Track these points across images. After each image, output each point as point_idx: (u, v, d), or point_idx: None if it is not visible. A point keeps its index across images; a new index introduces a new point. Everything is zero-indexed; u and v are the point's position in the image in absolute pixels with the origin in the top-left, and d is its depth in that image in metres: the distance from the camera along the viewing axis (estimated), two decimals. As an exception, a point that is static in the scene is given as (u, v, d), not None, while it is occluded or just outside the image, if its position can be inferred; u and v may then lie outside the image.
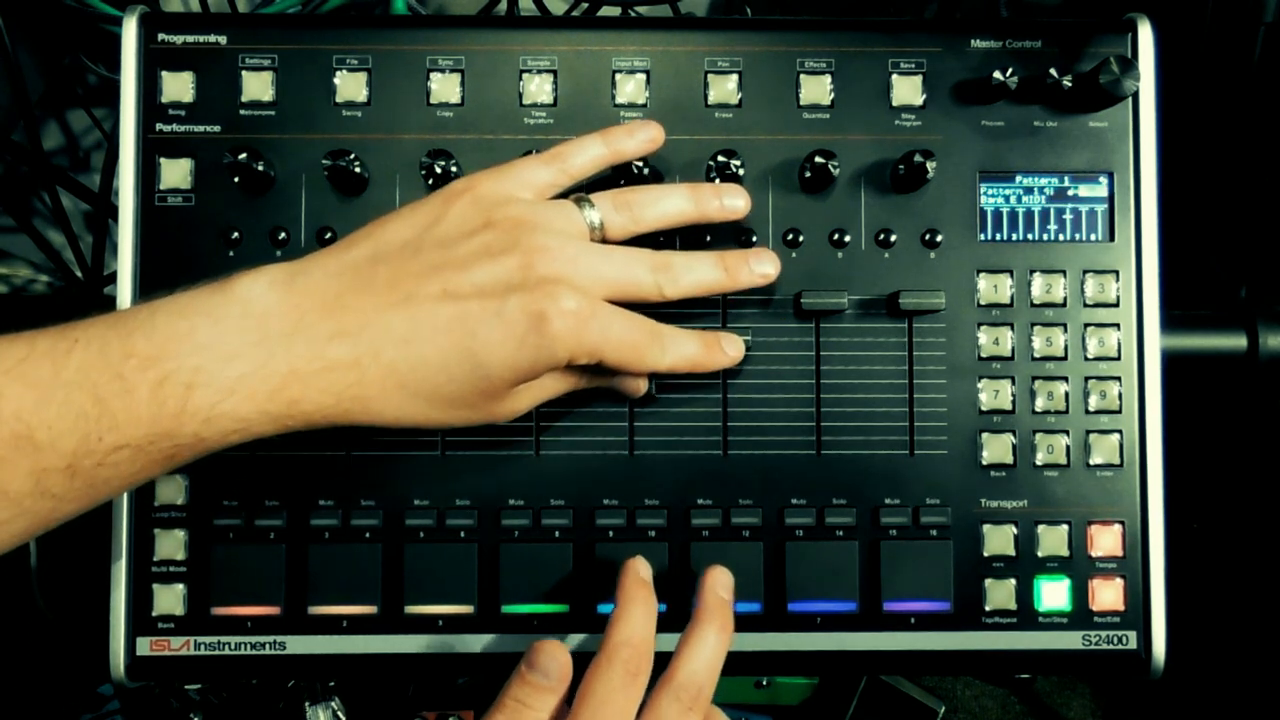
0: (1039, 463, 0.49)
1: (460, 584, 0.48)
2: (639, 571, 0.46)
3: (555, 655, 0.41)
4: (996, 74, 0.48)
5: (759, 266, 0.46)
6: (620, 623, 0.43)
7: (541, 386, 0.43)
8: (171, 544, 0.48)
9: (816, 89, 0.50)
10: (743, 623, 0.48)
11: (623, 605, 0.44)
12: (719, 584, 0.46)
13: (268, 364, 0.37)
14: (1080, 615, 0.49)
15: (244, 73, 0.49)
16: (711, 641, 0.43)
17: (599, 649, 0.42)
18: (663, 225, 0.45)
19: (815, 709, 0.76)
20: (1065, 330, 0.49)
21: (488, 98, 0.49)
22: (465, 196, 0.42)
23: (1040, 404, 0.49)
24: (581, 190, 0.45)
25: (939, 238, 0.49)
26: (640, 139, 0.46)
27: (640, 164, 0.47)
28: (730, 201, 0.46)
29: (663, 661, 0.43)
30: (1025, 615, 0.49)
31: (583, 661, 0.42)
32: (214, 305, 0.38)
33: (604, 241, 0.44)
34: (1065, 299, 0.49)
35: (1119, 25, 0.50)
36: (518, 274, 0.39)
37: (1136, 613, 0.49)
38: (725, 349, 0.46)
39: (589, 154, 0.45)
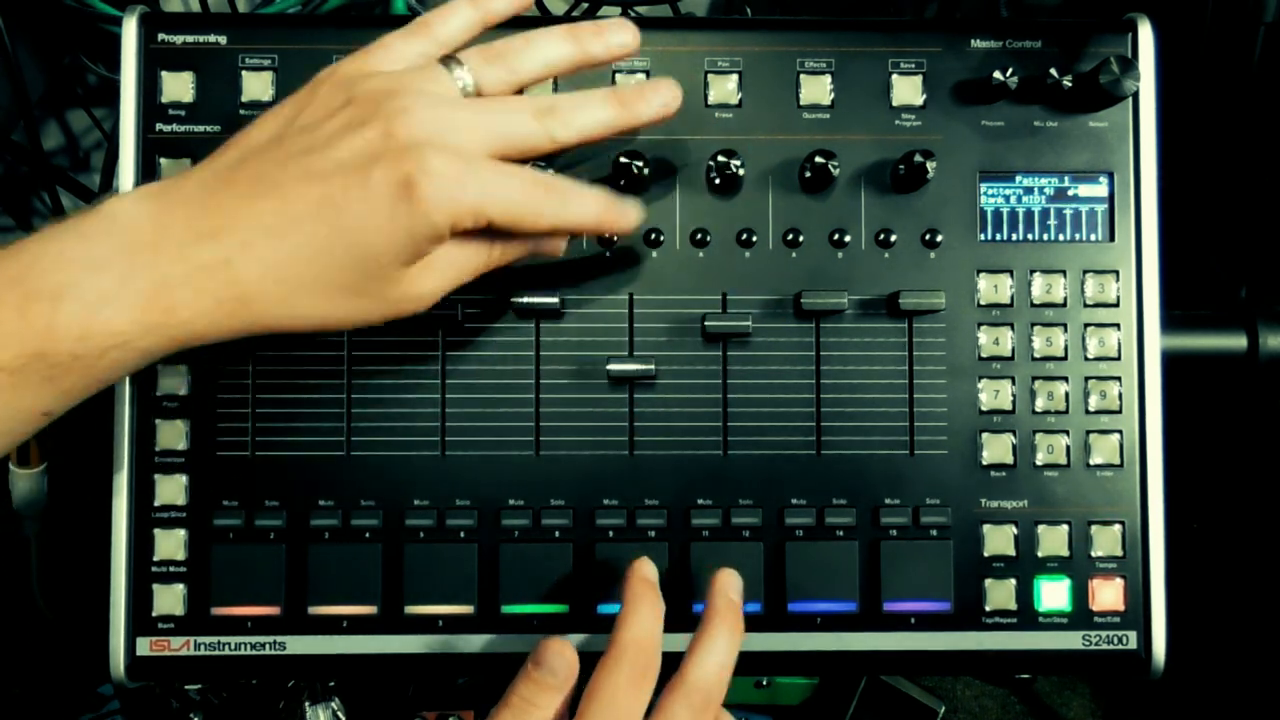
0: (1039, 463, 0.49)
1: (460, 584, 0.48)
2: (645, 572, 0.46)
3: (562, 653, 0.41)
4: (996, 74, 0.48)
5: (657, 96, 0.42)
6: (628, 622, 0.42)
7: (443, 265, 0.39)
8: (171, 544, 0.48)
9: (816, 89, 0.50)
10: (743, 623, 0.48)
11: (630, 605, 0.43)
12: (729, 586, 0.45)
13: (135, 271, 0.35)
14: (1080, 615, 0.49)
15: (244, 73, 0.49)
16: (723, 644, 0.43)
17: (607, 648, 0.42)
18: (544, 74, 0.42)
19: (815, 709, 0.76)
20: (1065, 330, 0.49)
21: (488, 98, 0.49)
22: (328, 81, 0.40)
23: (1040, 404, 0.49)
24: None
25: (939, 238, 0.49)
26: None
27: (640, 164, 0.47)
28: (616, 37, 0.42)
29: (666, 663, 0.43)
30: (1025, 615, 0.49)
31: (588, 662, 0.42)
32: (83, 224, 0.37)
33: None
34: (1065, 299, 0.49)
35: (1119, 25, 0.50)
36: (380, 142, 0.36)
37: (1136, 613, 0.49)
38: (626, 209, 0.42)
39: (458, 18, 0.42)
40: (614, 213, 0.42)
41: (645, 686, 0.41)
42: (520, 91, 0.42)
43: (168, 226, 0.36)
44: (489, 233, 0.40)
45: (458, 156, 0.37)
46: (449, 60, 0.40)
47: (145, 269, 0.36)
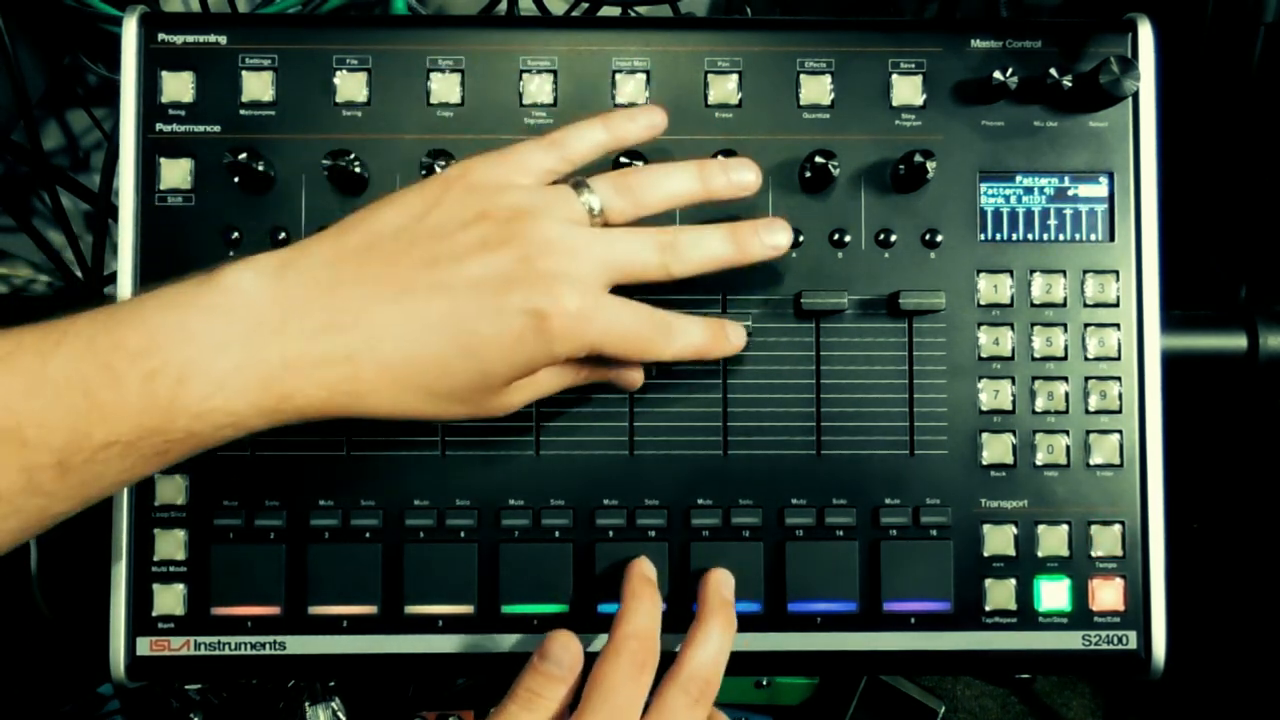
0: (1039, 463, 0.49)
1: (460, 584, 0.48)
2: (644, 570, 0.47)
3: (568, 645, 0.42)
4: (996, 74, 0.48)
5: (770, 238, 0.44)
6: (627, 617, 0.44)
7: (538, 382, 0.42)
8: (171, 544, 0.48)
9: (816, 89, 0.50)
10: (743, 622, 0.48)
11: (629, 601, 0.44)
12: (722, 585, 0.47)
13: (259, 356, 0.36)
14: (1080, 615, 0.49)
15: (244, 73, 0.49)
16: (717, 637, 0.44)
17: (607, 642, 0.43)
18: (667, 207, 0.43)
19: (815, 709, 0.76)
20: (1065, 330, 0.49)
21: (488, 98, 0.49)
22: (460, 184, 0.40)
23: (1040, 404, 0.49)
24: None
25: (939, 238, 0.49)
26: (642, 124, 0.45)
27: (641, 164, 0.47)
28: (738, 176, 0.44)
29: (667, 661, 0.43)
30: (1025, 615, 0.49)
31: (589, 660, 0.43)
32: (203, 296, 0.37)
33: (605, 226, 0.42)
34: (1065, 299, 0.49)
35: (1119, 25, 0.50)
36: (516, 268, 0.38)
37: (1136, 613, 0.49)
38: (729, 336, 0.45)
39: (589, 139, 0.43)
40: (717, 342, 0.44)
41: (644, 678, 0.42)
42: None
43: (291, 311, 0.37)
44: (589, 358, 0.42)
45: (587, 293, 0.39)
46: (580, 185, 0.42)
47: (268, 355, 0.36)
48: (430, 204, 0.40)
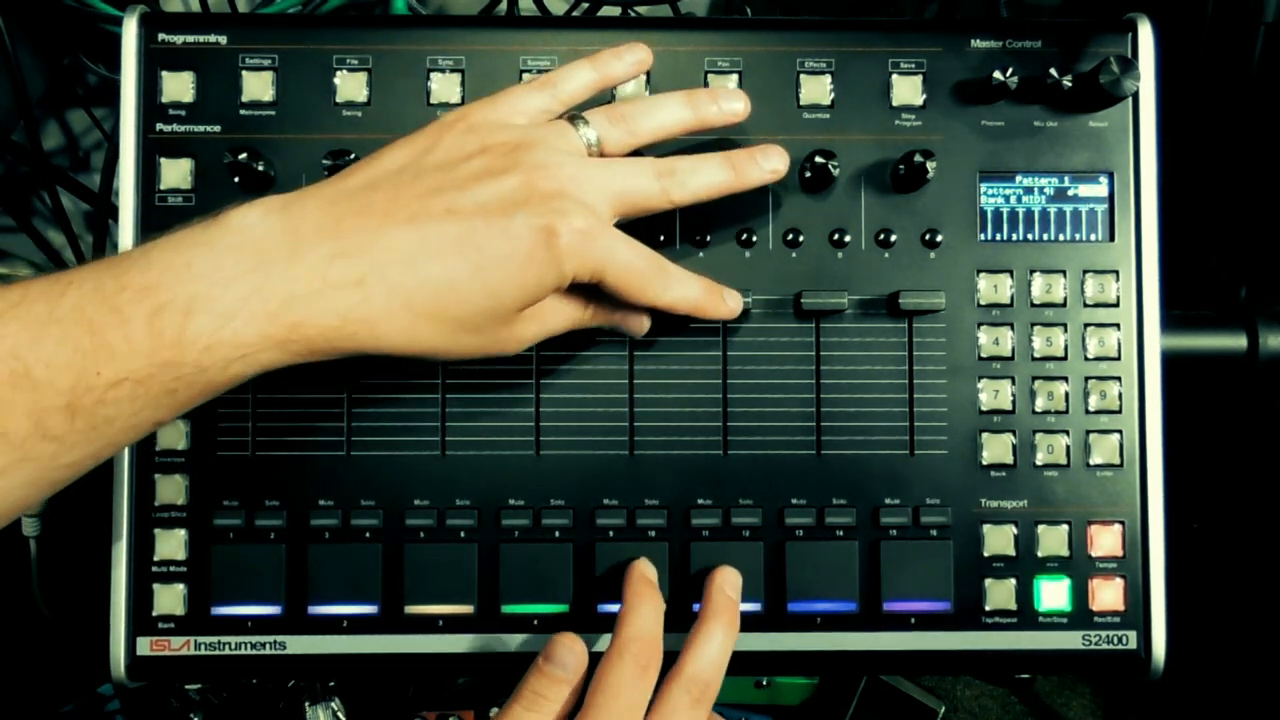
0: (1039, 463, 0.49)
1: (460, 584, 0.48)
2: (645, 571, 0.47)
3: (572, 648, 0.43)
4: (996, 74, 0.48)
5: (767, 162, 0.45)
6: (630, 619, 0.44)
7: (546, 315, 0.42)
8: (171, 544, 0.48)
9: (816, 89, 0.50)
10: (743, 622, 0.48)
11: (631, 603, 0.45)
12: (727, 583, 0.47)
13: (266, 285, 0.36)
14: (1080, 615, 0.49)
15: (244, 73, 0.49)
16: (719, 637, 0.44)
17: (610, 645, 0.43)
18: (661, 136, 0.45)
19: (815, 709, 0.76)
20: (1065, 330, 0.49)
21: (488, 98, 0.49)
22: (459, 124, 0.41)
23: (1040, 404, 0.49)
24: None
25: (939, 238, 0.49)
26: (629, 61, 0.46)
27: None
28: (728, 105, 0.45)
29: (670, 659, 0.43)
30: (1025, 615, 0.49)
31: (595, 660, 0.43)
32: (209, 236, 0.37)
33: (603, 157, 0.43)
34: (1065, 299, 0.49)
35: (1119, 25, 0.50)
36: (521, 191, 0.39)
37: (1136, 613, 0.49)
38: (726, 299, 0.46)
39: (579, 78, 0.44)
40: (713, 301, 0.45)
41: (648, 678, 0.42)
42: (637, 152, 0.44)
43: (300, 241, 0.37)
44: (589, 293, 0.43)
45: (592, 213, 0.40)
46: (575, 119, 0.43)
47: (277, 283, 0.36)
48: (431, 143, 0.41)
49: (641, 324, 0.46)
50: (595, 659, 0.43)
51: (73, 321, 0.34)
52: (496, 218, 0.38)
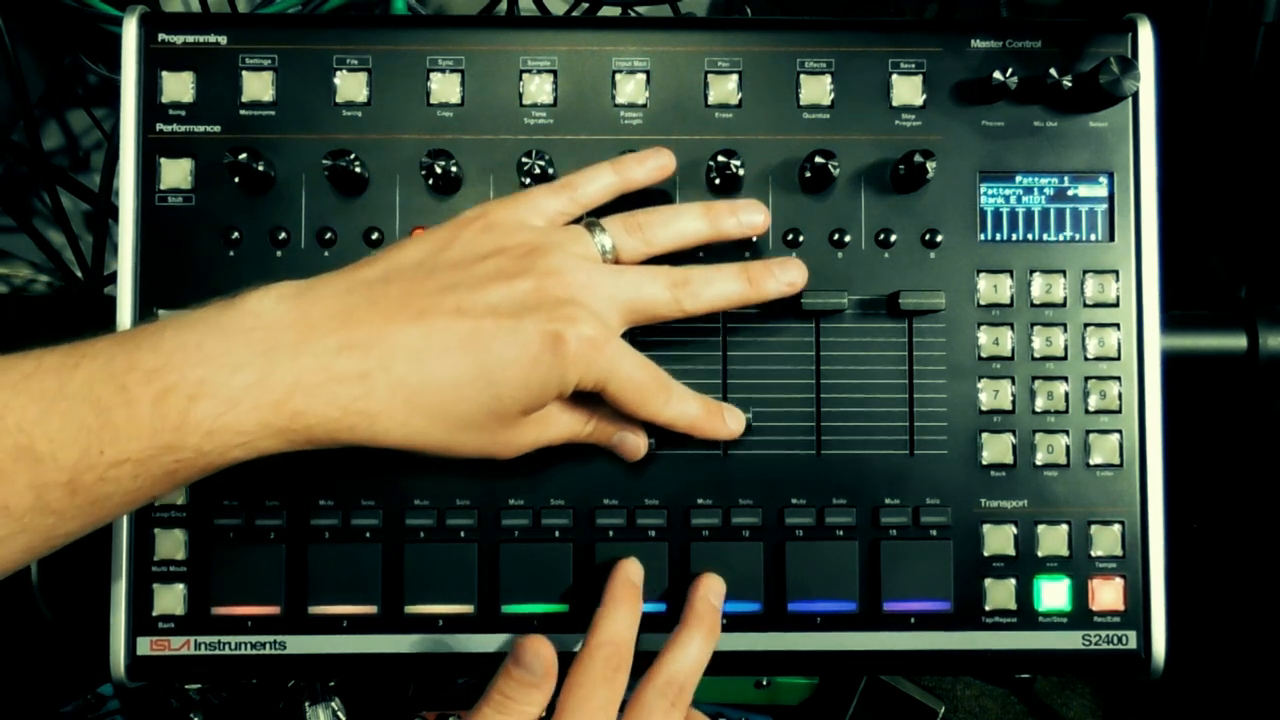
0: (1039, 463, 0.49)
1: (460, 584, 0.48)
2: (629, 574, 0.47)
3: (540, 652, 0.42)
4: (996, 74, 0.48)
5: (784, 274, 0.46)
6: (604, 622, 0.44)
7: (548, 423, 0.43)
8: (171, 544, 0.48)
9: (816, 89, 0.50)
10: (743, 623, 0.48)
11: (608, 605, 0.45)
12: (710, 591, 0.47)
13: (273, 374, 0.36)
14: (1080, 615, 0.49)
15: (244, 73, 0.49)
16: (698, 644, 0.44)
17: (582, 647, 0.43)
18: (677, 246, 0.45)
19: (815, 709, 0.76)
20: (1065, 330, 0.49)
21: (488, 98, 0.49)
22: (477, 223, 0.42)
23: (1040, 404, 0.49)
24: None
25: (939, 238, 0.49)
26: (650, 167, 0.46)
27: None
28: (747, 217, 0.46)
29: (649, 660, 0.44)
30: (1025, 615, 0.49)
31: (569, 661, 0.43)
32: (222, 319, 0.37)
33: (617, 264, 0.44)
34: (1065, 299, 0.49)
35: (1119, 25, 0.50)
36: (533, 295, 0.39)
37: (1136, 613, 0.49)
38: (726, 420, 0.46)
39: (599, 182, 0.45)
40: (713, 421, 0.46)
41: (618, 682, 0.42)
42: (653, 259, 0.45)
43: (311, 330, 0.37)
44: (591, 405, 0.44)
45: (601, 322, 0.40)
46: (592, 225, 0.44)
47: (283, 372, 0.36)
48: (448, 240, 0.41)
49: (638, 448, 0.46)
50: (571, 659, 0.43)
51: (81, 398, 0.34)
52: (505, 320, 0.38)
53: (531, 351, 0.38)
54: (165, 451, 0.35)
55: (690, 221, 0.45)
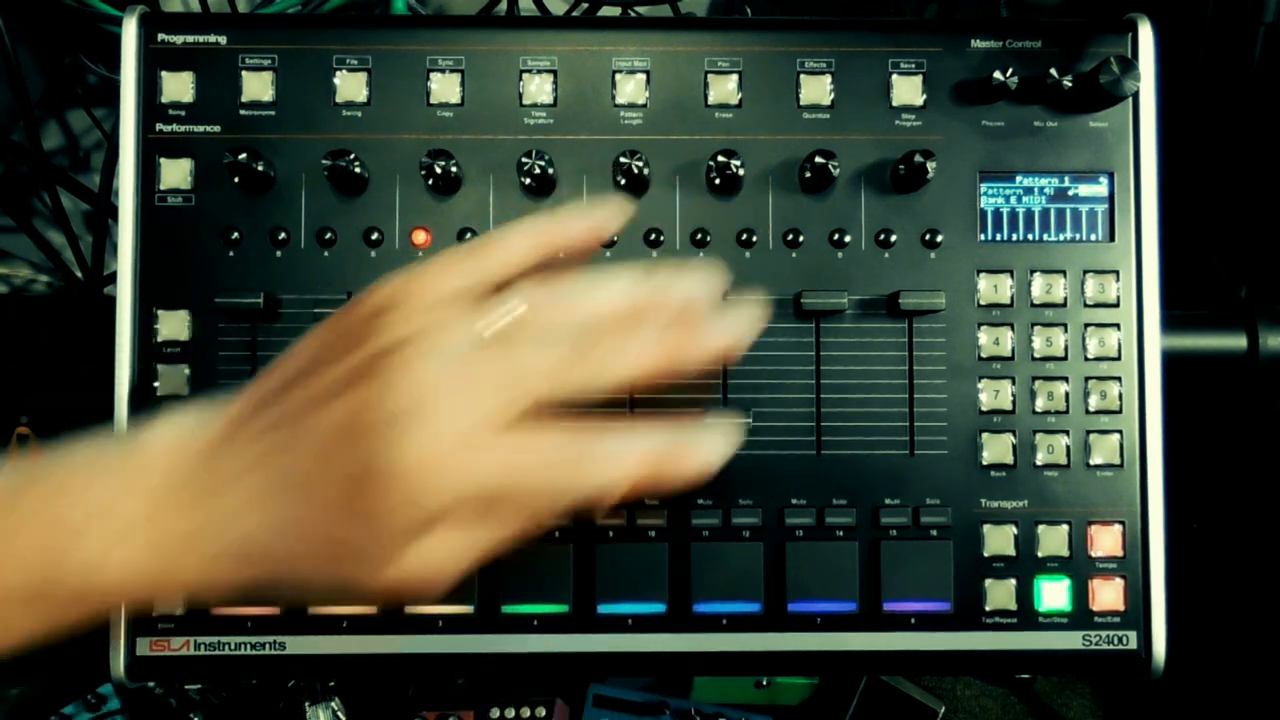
0: (1039, 463, 0.49)
1: (460, 584, 0.48)
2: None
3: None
4: (996, 74, 0.48)
5: (711, 339, 0.35)
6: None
7: (450, 543, 0.34)
8: (171, 544, 0.48)
9: (816, 89, 0.50)
10: (743, 623, 0.48)
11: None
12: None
13: (142, 521, 0.34)
14: (1080, 615, 0.49)
15: (244, 73, 0.49)
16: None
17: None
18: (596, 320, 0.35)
19: (815, 709, 0.76)
20: (1065, 330, 0.49)
21: (488, 98, 0.49)
22: (368, 301, 0.35)
23: (1040, 404, 0.49)
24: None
25: (939, 238, 0.49)
26: (581, 227, 0.38)
27: (640, 164, 0.47)
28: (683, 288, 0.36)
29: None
30: (1025, 615, 0.49)
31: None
32: (120, 453, 0.36)
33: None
34: (1065, 299, 0.49)
35: (1119, 25, 0.50)
36: (357, 414, 0.32)
37: (1136, 613, 0.49)
38: (695, 450, 0.34)
39: (514, 250, 0.36)
40: (670, 463, 0.34)
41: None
42: None
43: (174, 476, 0.35)
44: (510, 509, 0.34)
45: (443, 437, 0.31)
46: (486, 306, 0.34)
47: (151, 520, 0.34)
48: (336, 329, 0.35)
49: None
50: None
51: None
52: (318, 461, 0.32)
53: (339, 498, 0.33)
54: (48, 587, 0.34)
55: (612, 293, 0.35)
